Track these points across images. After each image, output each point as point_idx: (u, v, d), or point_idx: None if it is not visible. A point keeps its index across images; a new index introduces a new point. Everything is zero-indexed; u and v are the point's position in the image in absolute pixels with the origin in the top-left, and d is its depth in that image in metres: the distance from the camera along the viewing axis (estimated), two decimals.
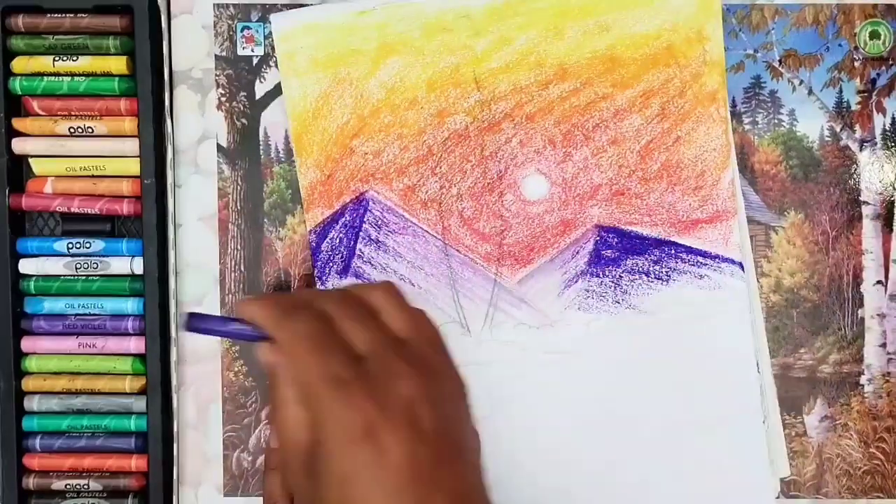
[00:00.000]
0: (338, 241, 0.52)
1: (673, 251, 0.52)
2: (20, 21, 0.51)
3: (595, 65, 0.51)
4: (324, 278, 0.52)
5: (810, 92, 0.52)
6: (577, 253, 0.52)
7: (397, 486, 0.36)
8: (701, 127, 0.51)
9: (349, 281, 0.52)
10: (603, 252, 0.52)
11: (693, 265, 0.51)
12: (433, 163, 0.52)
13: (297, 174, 0.52)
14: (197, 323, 0.41)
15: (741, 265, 0.51)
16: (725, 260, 0.51)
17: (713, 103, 0.51)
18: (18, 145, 0.52)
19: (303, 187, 0.52)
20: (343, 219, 0.52)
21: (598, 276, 0.52)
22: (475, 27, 0.51)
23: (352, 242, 0.52)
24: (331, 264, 0.52)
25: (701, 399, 0.51)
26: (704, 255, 0.51)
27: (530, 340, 0.52)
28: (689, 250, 0.51)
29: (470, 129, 0.52)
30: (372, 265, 0.52)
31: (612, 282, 0.52)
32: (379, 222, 0.52)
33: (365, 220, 0.52)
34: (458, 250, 0.52)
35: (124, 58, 0.51)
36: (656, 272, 0.52)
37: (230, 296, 0.53)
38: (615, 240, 0.52)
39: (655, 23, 0.51)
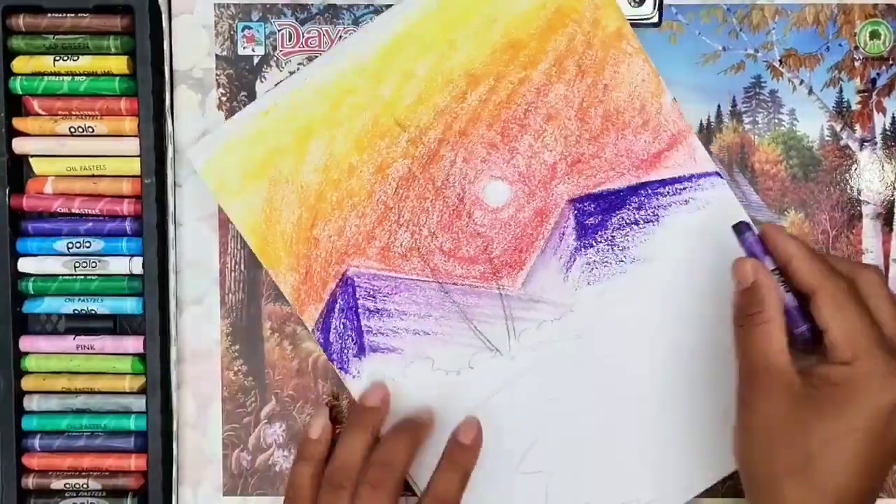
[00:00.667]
0: (342, 327, 0.52)
1: (650, 190, 0.51)
2: (21, 21, 0.51)
3: (499, 57, 0.51)
4: (345, 366, 0.52)
5: (810, 92, 0.52)
6: (563, 234, 0.52)
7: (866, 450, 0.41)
8: (622, 66, 0.51)
9: (368, 360, 0.52)
10: (586, 222, 0.51)
11: (674, 194, 0.51)
12: (395, 216, 0.51)
13: (276, 283, 0.51)
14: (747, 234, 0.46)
15: (717, 173, 0.51)
16: (701, 176, 0.51)
17: (622, 40, 0.51)
18: (19, 145, 0.52)
19: (287, 294, 0.52)
20: (337, 305, 0.52)
21: (591, 245, 0.52)
22: (374, 76, 0.51)
23: (355, 322, 0.51)
24: (345, 351, 0.52)
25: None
26: (679, 180, 0.51)
27: (557, 332, 0.52)
28: (664, 182, 0.51)
29: (413, 170, 0.51)
30: (384, 334, 0.52)
31: (607, 244, 0.52)
32: (371, 293, 0.52)
33: (357, 296, 0.51)
34: (454, 283, 0.52)
35: (125, 57, 0.51)
36: (644, 217, 0.51)
37: (230, 295, 0.53)
38: (592, 206, 0.51)
39: None
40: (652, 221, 0.51)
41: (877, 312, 0.43)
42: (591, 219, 0.51)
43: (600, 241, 0.52)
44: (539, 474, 0.52)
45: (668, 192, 0.51)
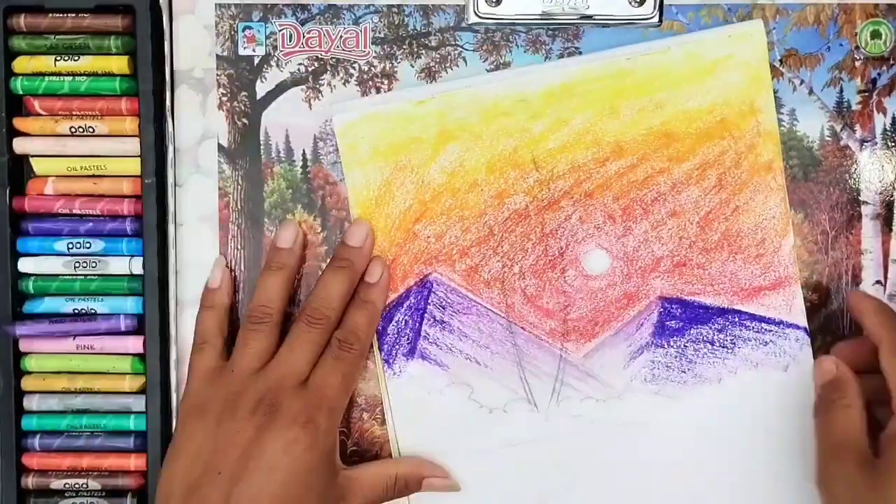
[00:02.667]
0: (403, 323, 0.52)
1: (737, 319, 0.52)
2: (22, 21, 0.51)
3: (651, 141, 0.51)
4: (391, 361, 0.52)
5: (811, 91, 0.52)
6: (642, 325, 0.52)
7: None
8: (758, 196, 0.51)
9: (414, 364, 0.52)
10: (667, 323, 0.52)
11: (758, 332, 0.52)
12: (495, 242, 0.52)
13: None
14: None
15: (806, 330, 0.52)
16: (790, 326, 0.52)
17: (770, 173, 0.51)
18: (20, 145, 0.52)
19: None
20: (408, 301, 0.52)
21: (662, 346, 0.52)
22: (532, 110, 0.51)
23: (417, 324, 0.52)
24: (397, 346, 0.52)
25: (770, 468, 0.52)
26: (769, 321, 0.52)
27: (598, 413, 0.52)
28: (753, 317, 0.52)
29: (530, 209, 0.52)
30: (438, 346, 0.52)
31: (678, 352, 0.52)
32: (443, 303, 0.52)
33: (430, 301, 0.52)
34: (522, 328, 0.52)
35: (125, 57, 0.51)
36: (721, 340, 0.52)
37: None
38: (679, 310, 0.52)
39: (708, 98, 0.51)
40: (727, 348, 0.52)
41: None
42: (673, 322, 0.52)
43: (672, 346, 0.52)
44: None
45: (752, 328, 0.52)
